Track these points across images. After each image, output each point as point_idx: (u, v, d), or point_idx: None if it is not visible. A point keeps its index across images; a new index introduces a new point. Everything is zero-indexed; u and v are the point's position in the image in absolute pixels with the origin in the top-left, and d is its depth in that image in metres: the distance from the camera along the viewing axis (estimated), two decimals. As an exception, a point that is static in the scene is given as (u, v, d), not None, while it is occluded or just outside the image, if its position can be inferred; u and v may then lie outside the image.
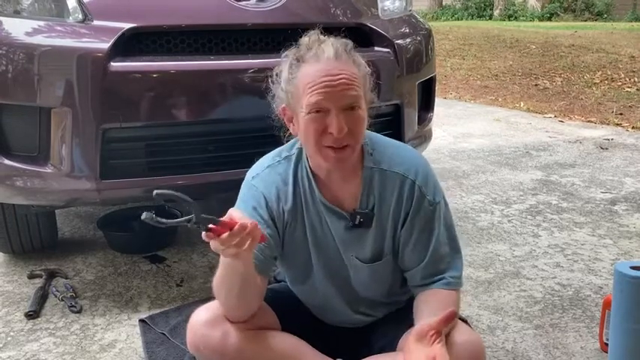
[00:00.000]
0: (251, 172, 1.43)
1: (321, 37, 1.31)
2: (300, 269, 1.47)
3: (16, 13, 1.92)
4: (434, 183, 1.37)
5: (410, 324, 1.35)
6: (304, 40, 1.31)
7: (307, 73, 1.25)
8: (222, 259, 1.25)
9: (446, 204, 1.40)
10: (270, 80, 1.35)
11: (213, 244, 1.12)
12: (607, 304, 1.71)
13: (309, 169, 1.38)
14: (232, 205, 1.44)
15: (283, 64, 1.32)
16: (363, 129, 1.28)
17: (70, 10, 1.90)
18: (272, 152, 1.45)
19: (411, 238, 1.36)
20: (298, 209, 1.39)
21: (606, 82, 6.88)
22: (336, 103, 1.23)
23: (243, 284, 1.27)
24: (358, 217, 1.35)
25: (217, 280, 1.30)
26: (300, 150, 1.39)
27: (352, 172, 1.36)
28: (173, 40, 1.96)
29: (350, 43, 1.31)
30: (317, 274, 1.45)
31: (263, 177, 1.40)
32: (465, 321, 1.42)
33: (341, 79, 1.23)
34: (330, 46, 1.27)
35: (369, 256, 1.40)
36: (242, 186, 1.43)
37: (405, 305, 1.50)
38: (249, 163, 1.48)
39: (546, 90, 6.72)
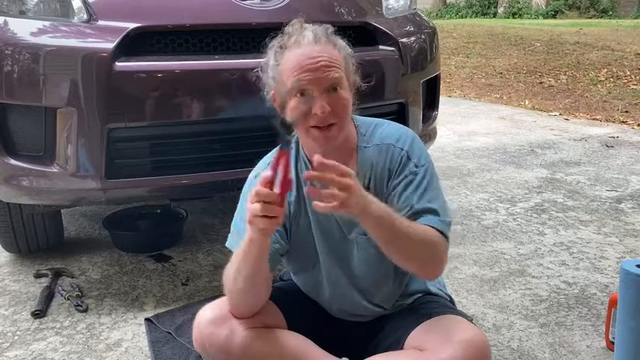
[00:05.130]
0: (253, 172, 1.47)
1: (304, 24, 1.36)
2: (306, 258, 1.48)
3: (22, 14, 1.93)
4: (420, 149, 1.41)
5: (417, 323, 1.35)
6: (287, 28, 1.36)
7: (289, 59, 1.31)
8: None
9: (433, 169, 1.41)
10: (260, 69, 1.40)
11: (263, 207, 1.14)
12: (613, 303, 1.71)
13: (306, 159, 1.41)
14: (236, 204, 1.45)
15: (269, 52, 1.37)
16: (346, 108, 1.32)
17: (75, 10, 1.90)
18: (272, 151, 1.47)
19: (394, 190, 1.37)
20: (301, 199, 1.42)
21: (611, 79, 6.85)
22: (318, 85, 1.28)
23: (255, 267, 1.29)
24: None
25: (230, 266, 1.33)
26: (297, 143, 1.43)
27: (347, 155, 1.39)
28: (178, 40, 1.96)
29: (330, 27, 1.37)
30: (322, 260, 1.46)
31: None
32: (469, 319, 1.42)
33: (320, 61, 1.28)
34: (310, 31, 1.33)
35: None
36: (245, 186, 1.45)
37: (411, 305, 1.50)
38: (254, 162, 1.48)
39: (551, 88, 6.70)
